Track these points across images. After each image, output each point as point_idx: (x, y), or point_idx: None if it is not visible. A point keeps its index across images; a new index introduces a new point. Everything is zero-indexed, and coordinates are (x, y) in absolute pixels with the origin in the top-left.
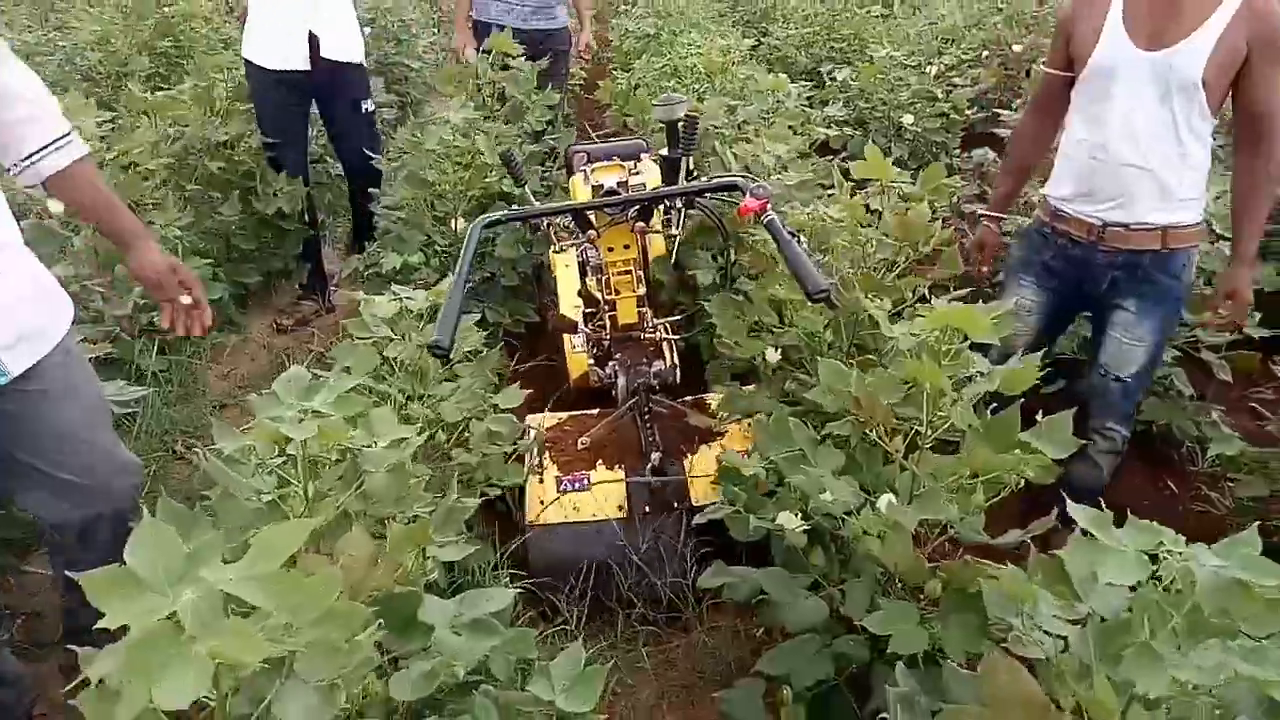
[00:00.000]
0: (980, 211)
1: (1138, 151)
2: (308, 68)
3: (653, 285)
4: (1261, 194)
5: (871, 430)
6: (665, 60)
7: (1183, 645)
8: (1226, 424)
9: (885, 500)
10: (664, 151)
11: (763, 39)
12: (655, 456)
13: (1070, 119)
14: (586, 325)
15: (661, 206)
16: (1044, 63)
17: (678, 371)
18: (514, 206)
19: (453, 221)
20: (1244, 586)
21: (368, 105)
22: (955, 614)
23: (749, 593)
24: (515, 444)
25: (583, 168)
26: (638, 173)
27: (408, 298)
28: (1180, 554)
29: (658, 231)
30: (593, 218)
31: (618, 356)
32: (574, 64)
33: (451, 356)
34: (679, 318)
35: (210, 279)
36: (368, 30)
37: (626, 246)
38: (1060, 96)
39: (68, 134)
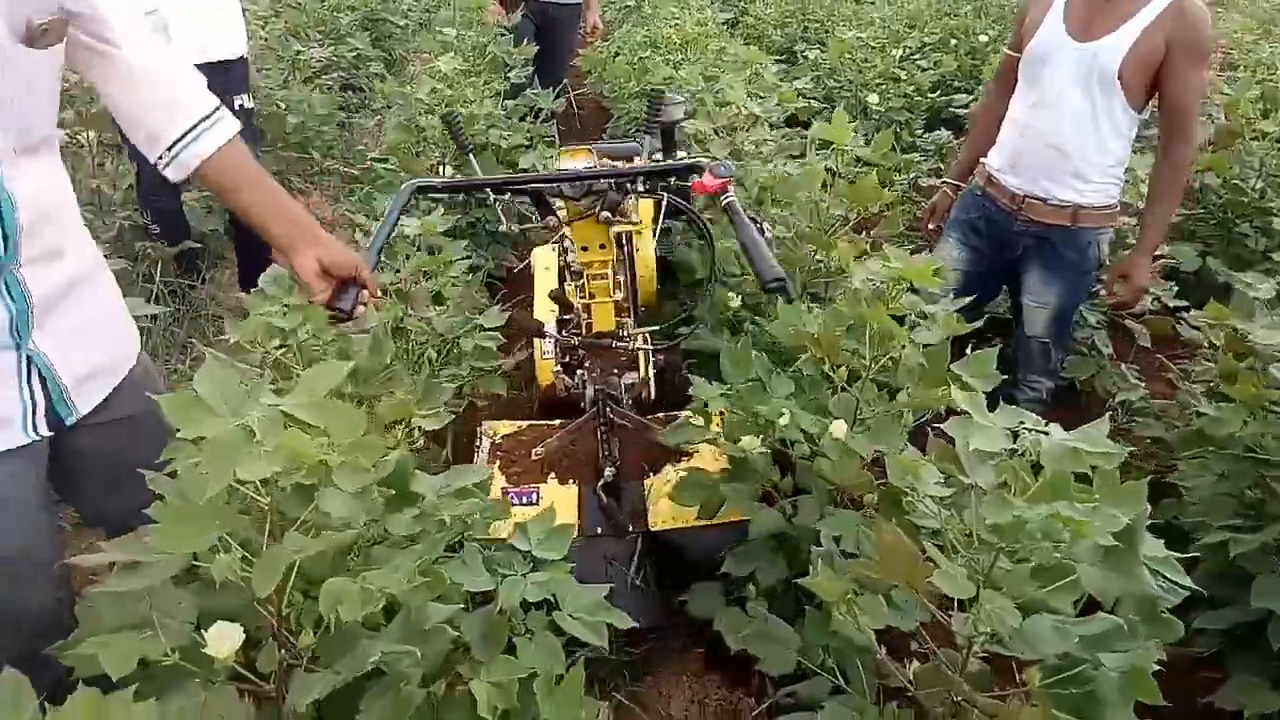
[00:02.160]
0: (941, 179)
1: (1058, 133)
2: None
3: (639, 295)
4: (1168, 187)
5: (825, 364)
6: (644, 31)
7: (1029, 498)
8: (1134, 377)
9: (838, 426)
10: (658, 155)
11: (742, 17)
12: (609, 472)
13: (1014, 97)
14: (560, 330)
15: (634, 201)
16: (1006, 46)
17: (651, 385)
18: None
19: (441, 168)
20: (1076, 451)
21: (243, 102)
22: (888, 515)
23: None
24: (499, 362)
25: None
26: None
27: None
28: (1035, 429)
29: (620, 222)
30: (559, 207)
31: (587, 364)
32: (579, 43)
33: (354, 318)
34: (658, 328)
35: None
36: None
37: (603, 246)
38: (1015, 76)
39: (213, 112)
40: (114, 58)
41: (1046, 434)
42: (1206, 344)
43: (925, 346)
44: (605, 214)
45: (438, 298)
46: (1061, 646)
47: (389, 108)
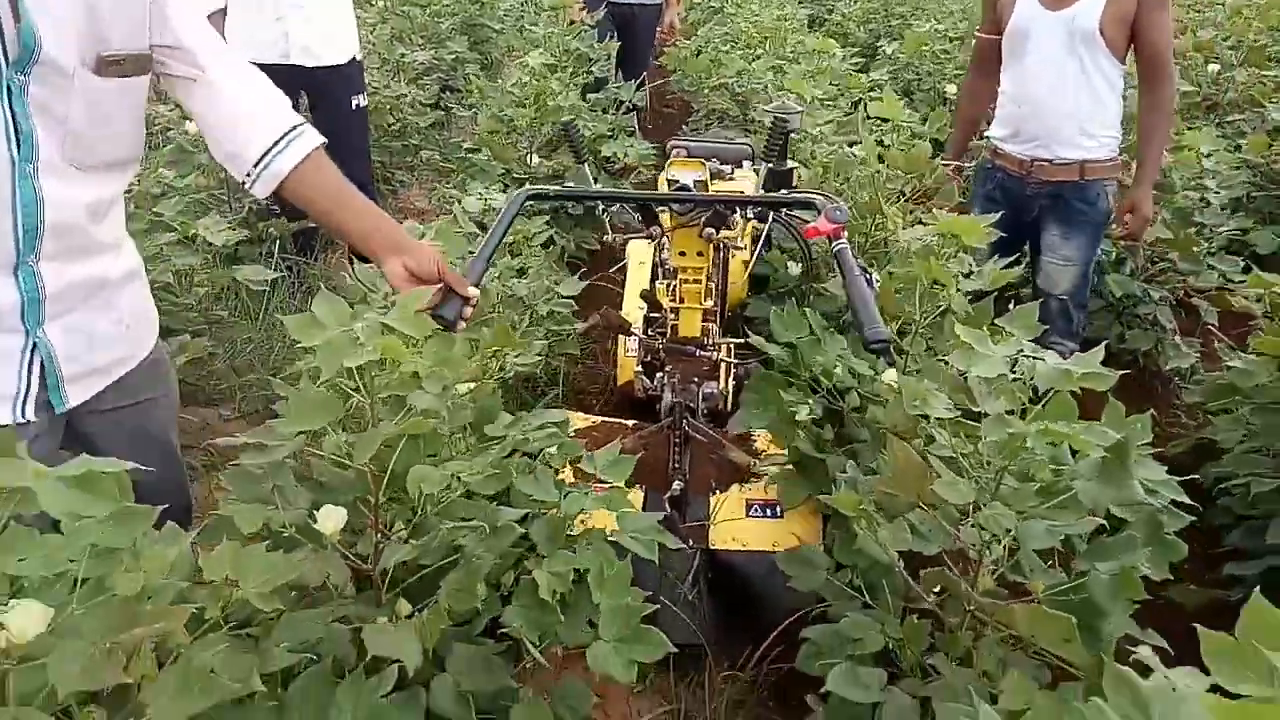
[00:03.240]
0: (940, 159)
1: (1055, 97)
2: (283, 60)
3: (730, 304)
4: (1157, 122)
5: None
6: (725, 28)
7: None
8: (1186, 345)
9: (890, 373)
10: (773, 163)
11: (828, 15)
12: (676, 485)
13: (1002, 73)
14: (646, 329)
15: (742, 219)
16: (978, 29)
17: (730, 398)
18: (567, 183)
19: (529, 156)
20: (1068, 373)
21: (359, 101)
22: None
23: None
24: (575, 326)
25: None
26: (730, 178)
27: (491, 197)
28: (1032, 354)
29: (726, 241)
30: (663, 215)
31: (668, 369)
32: (659, 41)
33: (457, 329)
34: (744, 340)
35: None
36: None
37: (700, 254)
38: (993, 56)
39: (291, 130)
40: (201, 81)
41: (1041, 360)
42: (1260, 314)
43: (971, 299)
44: (709, 230)
45: (520, 270)
46: (1050, 542)
47: (477, 107)
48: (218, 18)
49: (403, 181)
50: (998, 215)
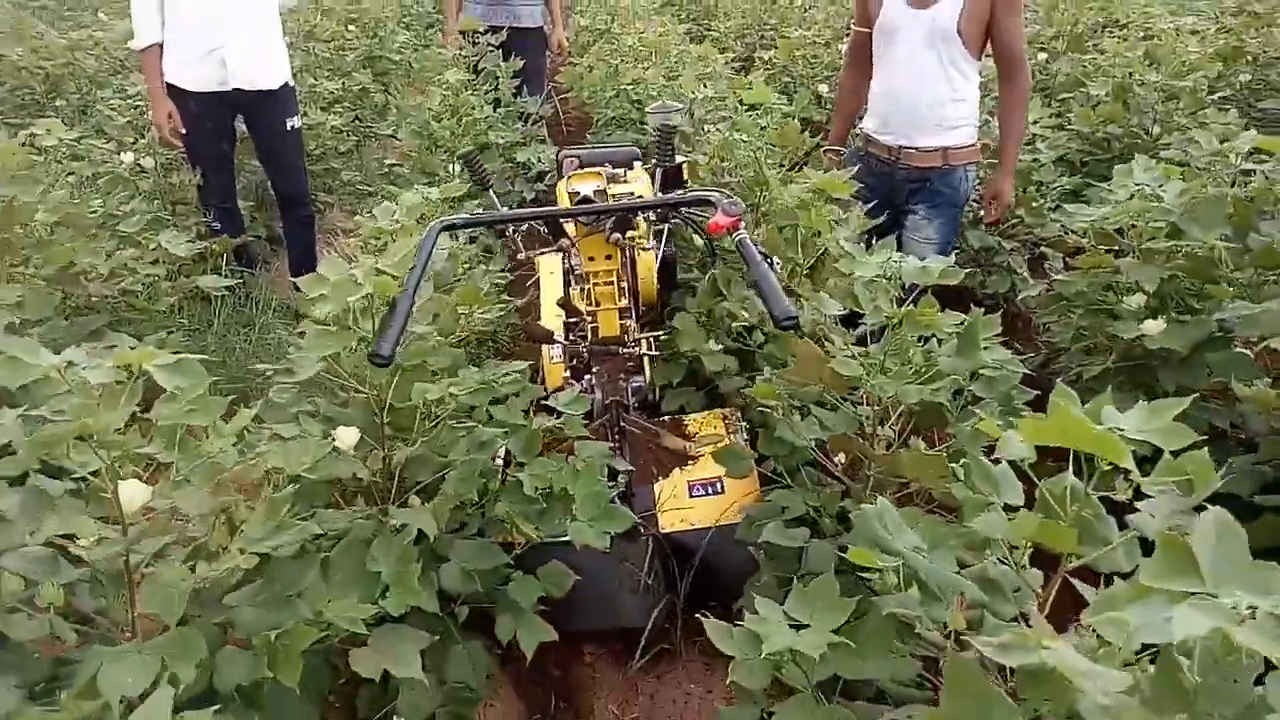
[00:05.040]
0: (822, 148)
1: (918, 89)
2: (220, 89)
3: (643, 299)
4: (1014, 113)
5: None
6: (614, 46)
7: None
8: (1034, 281)
9: None
10: (662, 167)
11: (707, 33)
12: (620, 478)
13: (875, 67)
14: (568, 335)
15: (642, 219)
16: (852, 23)
17: (656, 389)
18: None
19: (452, 165)
20: (925, 269)
21: (293, 123)
22: None
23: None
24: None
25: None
26: (624, 180)
27: (426, 195)
28: (897, 261)
29: (633, 244)
30: (568, 226)
31: (595, 370)
32: (553, 61)
33: (391, 366)
34: (663, 333)
35: None
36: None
37: (608, 257)
38: (866, 50)
39: None
40: None
41: (904, 264)
42: (1087, 245)
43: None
44: (615, 235)
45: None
46: (918, 397)
47: (398, 126)
48: (154, 51)
49: (326, 203)
50: (861, 189)
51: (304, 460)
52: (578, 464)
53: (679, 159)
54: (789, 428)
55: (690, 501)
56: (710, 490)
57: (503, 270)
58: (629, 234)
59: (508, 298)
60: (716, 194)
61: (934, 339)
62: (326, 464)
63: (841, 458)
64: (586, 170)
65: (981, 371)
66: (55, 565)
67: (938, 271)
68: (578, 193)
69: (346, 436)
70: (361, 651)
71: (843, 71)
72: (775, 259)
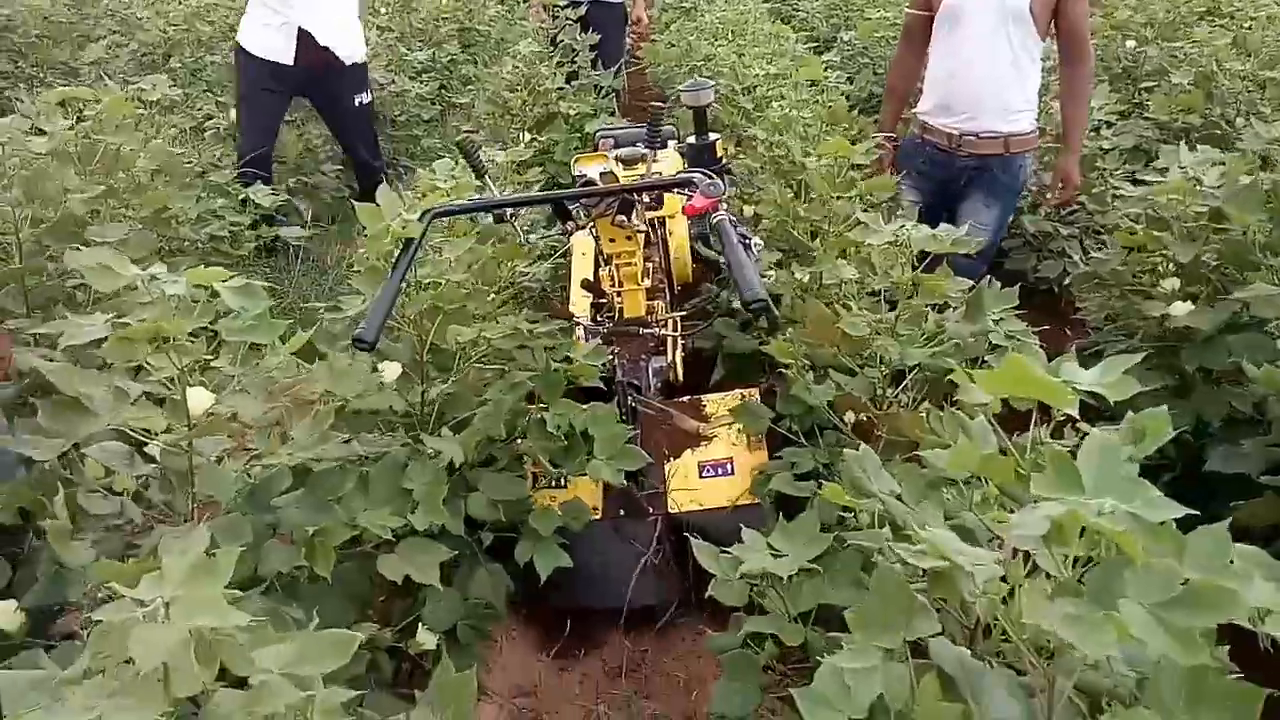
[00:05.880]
0: (874, 134)
1: (987, 72)
2: (290, 62)
3: (675, 276)
4: (1080, 96)
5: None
6: (695, 24)
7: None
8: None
9: (801, 271)
10: (691, 139)
11: (794, 12)
12: None
13: (931, 50)
14: (595, 315)
15: (640, 205)
16: (907, 5)
17: (678, 370)
18: (475, 196)
19: (522, 134)
20: (936, 237)
21: (362, 99)
22: None
23: None
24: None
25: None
26: (656, 160)
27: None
28: (909, 230)
29: (634, 228)
30: (575, 210)
31: (616, 349)
32: (633, 36)
33: (375, 347)
34: (686, 313)
35: None
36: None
37: (629, 238)
38: (922, 32)
39: None
40: None
41: (915, 233)
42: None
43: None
44: (620, 218)
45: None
46: (920, 357)
47: (482, 89)
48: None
49: (408, 167)
50: (910, 199)
51: (354, 388)
52: (595, 409)
53: (712, 136)
54: (805, 387)
55: (700, 482)
56: (720, 471)
57: (560, 233)
58: (651, 215)
59: (556, 259)
60: (699, 175)
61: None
62: (371, 394)
63: (850, 416)
64: (593, 153)
65: (997, 344)
66: (130, 459)
67: (950, 240)
68: (583, 175)
69: (390, 370)
70: (389, 558)
71: (896, 55)
72: (757, 241)
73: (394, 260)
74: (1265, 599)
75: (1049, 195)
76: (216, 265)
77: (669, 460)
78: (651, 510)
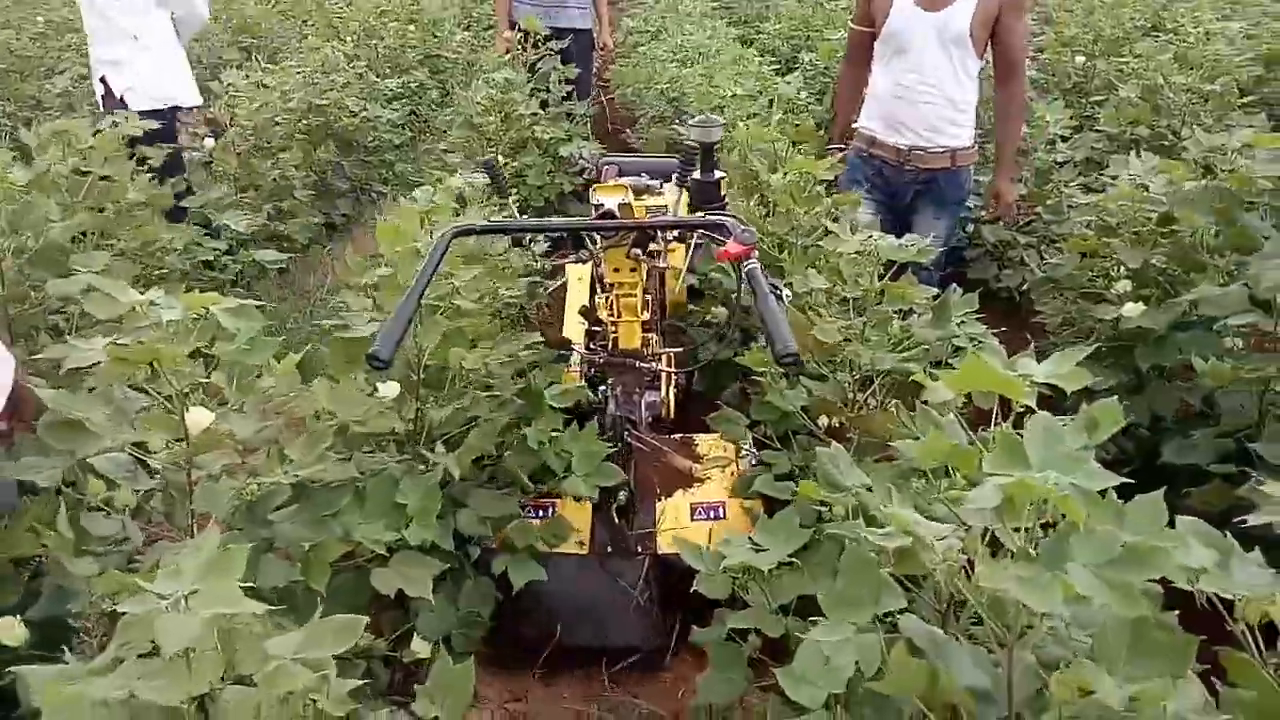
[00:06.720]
0: (829, 145)
1: (931, 90)
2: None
3: (670, 313)
4: (1012, 117)
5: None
6: (664, 47)
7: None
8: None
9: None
10: (699, 174)
11: (756, 35)
12: (622, 495)
13: (875, 68)
14: (589, 344)
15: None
16: (851, 21)
17: (672, 405)
18: (493, 219)
19: (497, 156)
20: (902, 247)
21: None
22: None
23: None
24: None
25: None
26: (660, 192)
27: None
28: (876, 239)
29: (649, 261)
30: (587, 238)
31: (610, 381)
32: (600, 62)
33: (389, 369)
34: (682, 349)
35: None
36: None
37: (633, 270)
38: (866, 48)
39: None
40: None
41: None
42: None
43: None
44: (635, 250)
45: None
46: (890, 363)
47: (459, 112)
48: None
49: (381, 192)
50: (867, 197)
51: (355, 411)
52: (574, 425)
53: (718, 174)
54: (778, 394)
55: (690, 524)
56: (713, 515)
57: (545, 253)
58: (650, 249)
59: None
60: (732, 220)
61: (914, 314)
62: (371, 415)
63: (824, 420)
64: (615, 183)
65: (960, 346)
66: (134, 471)
67: (915, 250)
68: (601, 205)
69: (388, 390)
70: (382, 571)
71: (842, 70)
72: (784, 290)
73: (414, 284)
74: (1201, 560)
75: (983, 213)
76: (198, 291)
77: (661, 499)
78: (640, 549)
